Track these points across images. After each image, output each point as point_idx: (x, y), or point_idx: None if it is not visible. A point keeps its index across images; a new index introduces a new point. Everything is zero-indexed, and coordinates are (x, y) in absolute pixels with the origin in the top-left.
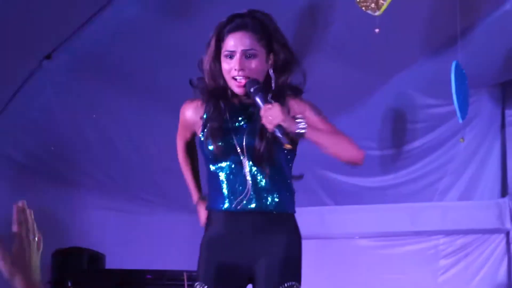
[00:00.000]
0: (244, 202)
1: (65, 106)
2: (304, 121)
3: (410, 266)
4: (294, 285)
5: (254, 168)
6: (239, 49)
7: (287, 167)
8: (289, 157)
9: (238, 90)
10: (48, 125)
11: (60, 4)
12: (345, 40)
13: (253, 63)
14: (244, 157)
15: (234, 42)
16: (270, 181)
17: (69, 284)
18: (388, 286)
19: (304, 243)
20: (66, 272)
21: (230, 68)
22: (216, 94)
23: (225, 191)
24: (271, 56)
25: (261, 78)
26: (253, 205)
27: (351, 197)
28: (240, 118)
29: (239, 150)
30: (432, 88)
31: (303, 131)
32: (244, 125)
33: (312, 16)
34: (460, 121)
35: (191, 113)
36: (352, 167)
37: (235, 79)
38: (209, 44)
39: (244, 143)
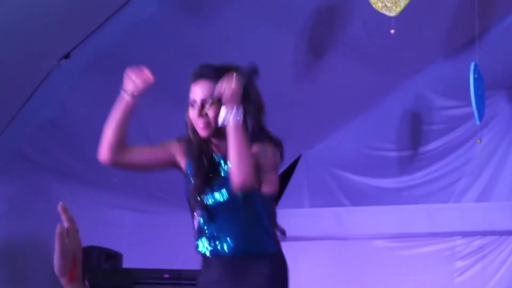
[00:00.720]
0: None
1: (82, 105)
2: (238, 116)
3: (427, 267)
4: None
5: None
6: (199, 98)
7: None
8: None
9: (202, 133)
10: (65, 124)
11: (79, 3)
12: (362, 40)
13: (211, 110)
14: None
15: (194, 91)
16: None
17: (86, 284)
18: (404, 287)
19: (321, 243)
20: (83, 271)
21: (193, 116)
22: (197, 148)
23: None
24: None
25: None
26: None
27: (368, 198)
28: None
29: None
30: (450, 90)
31: (229, 121)
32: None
33: (329, 16)
34: (478, 122)
35: (180, 149)
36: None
37: (197, 124)
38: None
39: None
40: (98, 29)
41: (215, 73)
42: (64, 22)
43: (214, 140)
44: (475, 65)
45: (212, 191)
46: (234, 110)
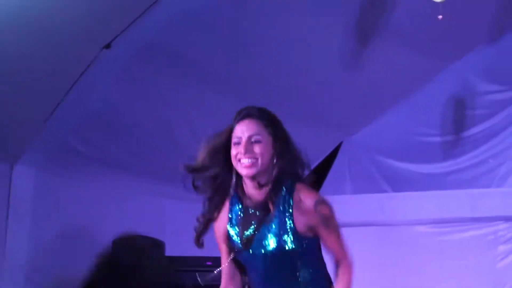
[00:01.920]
0: None
1: (124, 95)
2: None
3: (469, 252)
4: None
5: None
6: (245, 135)
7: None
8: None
9: (244, 171)
10: (107, 114)
11: None
12: (405, 25)
13: (258, 148)
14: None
15: (241, 129)
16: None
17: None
18: (447, 272)
19: (364, 230)
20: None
21: (237, 152)
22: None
23: None
24: (278, 144)
25: (267, 162)
26: None
27: (410, 183)
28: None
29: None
30: (492, 74)
31: None
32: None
33: (373, 2)
34: None
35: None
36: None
37: (241, 162)
38: (218, 139)
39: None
40: (139, 18)
41: (259, 114)
42: (105, 12)
43: (254, 184)
44: None
45: (258, 244)
46: None
